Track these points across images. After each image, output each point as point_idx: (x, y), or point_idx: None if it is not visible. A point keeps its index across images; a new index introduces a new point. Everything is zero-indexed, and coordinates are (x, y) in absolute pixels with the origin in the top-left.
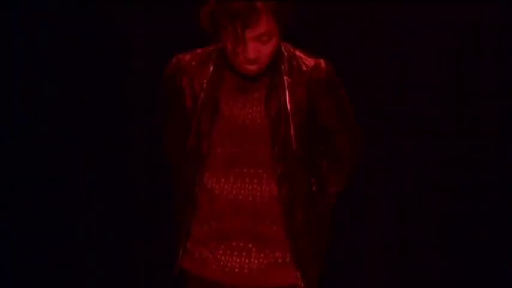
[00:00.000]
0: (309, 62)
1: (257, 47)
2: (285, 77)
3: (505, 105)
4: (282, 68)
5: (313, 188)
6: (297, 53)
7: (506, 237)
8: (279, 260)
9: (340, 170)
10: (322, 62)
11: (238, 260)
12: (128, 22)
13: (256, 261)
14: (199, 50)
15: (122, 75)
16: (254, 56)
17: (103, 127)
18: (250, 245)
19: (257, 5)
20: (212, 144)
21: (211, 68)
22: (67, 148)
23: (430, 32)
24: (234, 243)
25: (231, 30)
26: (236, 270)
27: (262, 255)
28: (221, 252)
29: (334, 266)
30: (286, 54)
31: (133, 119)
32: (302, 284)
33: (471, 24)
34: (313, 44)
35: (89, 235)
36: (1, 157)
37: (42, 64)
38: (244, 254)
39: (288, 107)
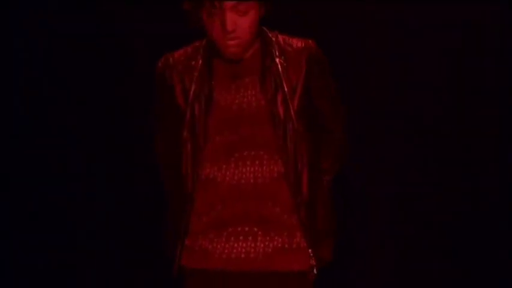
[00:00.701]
0: (298, 42)
1: (234, 18)
2: (277, 59)
3: (505, 105)
4: (273, 51)
5: (315, 165)
6: (284, 36)
7: (507, 237)
8: (286, 246)
9: (330, 149)
10: (311, 42)
11: (244, 245)
12: (128, 22)
13: (262, 245)
14: (186, 47)
15: (122, 75)
16: (231, 28)
17: (103, 127)
18: (255, 229)
19: None
20: (210, 134)
21: (200, 61)
22: (67, 148)
23: (431, 32)
24: (239, 229)
25: (209, 3)
26: (242, 255)
27: (267, 238)
28: (224, 239)
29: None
30: (274, 39)
31: (133, 119)
32: (314, 263)
33: (471, 24)
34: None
35: (89, 235)
36: (1, 157)
37: (42, 64)
38: (250, 238)
39: (285, 87)
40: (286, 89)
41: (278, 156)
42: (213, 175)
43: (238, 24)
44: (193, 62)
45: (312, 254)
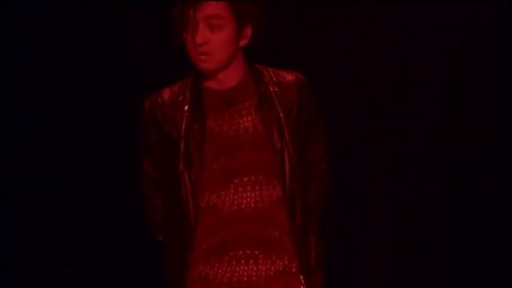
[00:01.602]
0: (289, 75)
1: (206, 32)
2: (271, 88)
3: (505, 105)
4: (265, 79)
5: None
6: (273, 69)
7: (507, 237)
8: (287, 269)
9: (313, 182)
10: (300, 75)
11: (245, 268)
12: (128, 22)
13: (264, 268)
14: (173, 86)
15: (122, 75)
16: (201, 40)
17: (103, 127)
18: (256, 252)
19: None
20: (206, 162)
21: (188, 93)
22: (67, 148)
23: (430, 32)
24: (240, 252)
25: (185, 13)
26: (245, 279)
27: (269, 261)
28: (225, 264)
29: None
30: (264, 70)
31: (134, 119)
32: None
33: (471, 24)
34: (313, 44)
35: (88, 235)
36: (1, 157)
37: (42, 64)
38: (251, 261)
39: (281, 115)
40: (282, 116)
41: (276, 181)
42: (213, 202)
43: (210, 39)
44: (181, 97)
45: (303, 281)
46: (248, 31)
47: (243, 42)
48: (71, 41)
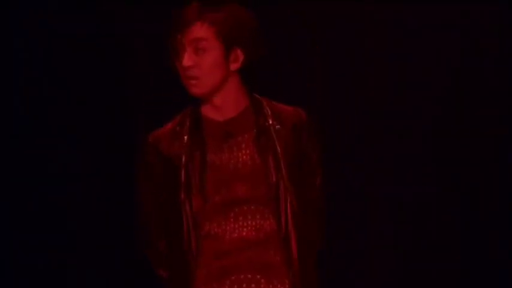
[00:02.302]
0: (289, 109)
1: (192, 56)
2: (270, 120)
3: (505, 105)
4: (264, 111)
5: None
6: (274, 102)
7: (507, 237)
8: None
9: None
10: (301, 110)
11: None
12: (128, 22)
13: None
14: (173, 119)
15: (122, 75)
16: (187, 63)
17: (103, 127)
18: (258, 276)
19: (191, 10)
20: (207, 195)
21: (189, 121)
22: (67, 148)
23: (430, 32)
24: (242, 276)
25: (174, 39)
26: None
27: (270, 286)
28: None
29: (335, 266)
30: (264, 102)
31: (134, 119)
32: None
33: (471, 24)
34: (313, 44)
35: (88, 235)
36: (1, 157)
37: (42, 64)
38: (253, 285)
39: (278, 148)
40: (278, 150)
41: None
42: (213, 231)
43: (197, 63)
44: (181, 127)
45: None
46: (239, 55)
47: (234, 66)
48: (71, 41)
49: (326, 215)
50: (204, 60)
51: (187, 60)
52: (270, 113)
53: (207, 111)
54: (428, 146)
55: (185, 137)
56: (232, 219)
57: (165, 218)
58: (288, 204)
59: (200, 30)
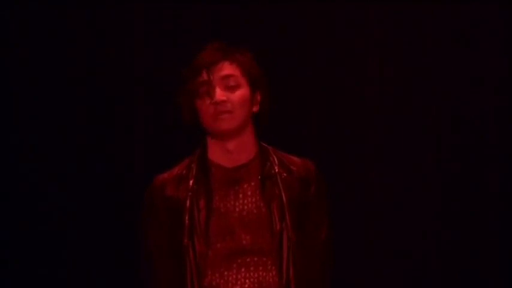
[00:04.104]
0: (297, 159)
1: (224, 91)
2: (276, 168)
3: (505, 105)
4: (271, 159)
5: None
6: (282, 151)
7: (507, 237)
8: None
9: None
10: (309, 161)
11: None
12: (128, 22)
13: None
14: (180, 164)
15: (122, 75)
16: (221, 98)
17: (103, 127)
18: None
19: (218, 52)
20: (211, 241)
21: (196, 166)
22: (67, 148)
23: (429, 31)
24: None
25: (199, 80)
26: None
27: None
28: None
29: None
30: (271, 151)
31: (134, 119)
32: None
33: (471, 24)
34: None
35: (88, 235)
36: (1, 157)
37: (42, 65)
38: None
39: (283, 197)
40: (284, 199)
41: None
42: (215, 282)
43: (229, 98)
44: (186, 171)
45: None
46: (258, 97)
47: (255, 108)
48: (71, 41)
49: (331, 269)
50: (235, 95)
51: (220, 94)
52: (277, 162)
53: (215, 156)
54: (429, 145)
55: (191, 182)
56: (234, 270)
57: (169, 266)
58: (291, 256)
59: (230, 68)
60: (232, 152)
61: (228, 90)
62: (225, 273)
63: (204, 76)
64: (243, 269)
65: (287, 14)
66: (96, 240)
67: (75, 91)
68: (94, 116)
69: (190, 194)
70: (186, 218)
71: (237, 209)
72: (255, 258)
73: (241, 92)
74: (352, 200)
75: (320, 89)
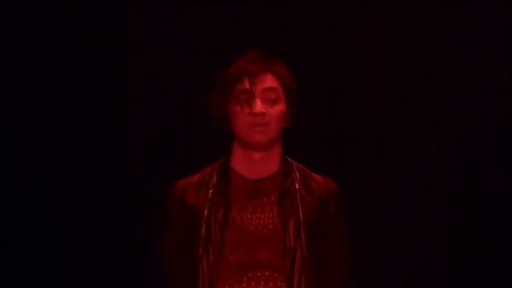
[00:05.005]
0: (319, 178)
1: (264, 103)
2: (297, 185)
3: (505, 105)
4: (293, 176)
5: None
6: (305, 167)
7: (507, 237)
8: None
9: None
10: (332, 181)
11: None
12: (128, 22)
13: None
14: (203, 170)
15: (122, 75)
16: (260, 110)
17: (103, 127)
18: None
19: (261, 61)
20: (224, 252)
21: (216, 177)
22: (67, 148)
23: (429, 31)
24: None
25: (240, 87)
26: None
27: None
28: None
29: None
30: (294, 166)
31: (134, 119)
32: None
33: (471, 24)
34: (314, 44)
35: (88, 235)
36: (1, 157)
37: (42, 64)
38: None
39: (301, 215)
40: (301, 217)
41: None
42: None
43: (267, 111)
44: (208, 180)
45: None
46: (289, 112)
47: (286, 123)
48: (71, 41)
49: None
50: (274, 109)
51: (260, 107)
52: (298, 178)
53: (239, 166)
54: (429, 145)
55: (210, 191)
56: (244, 284)
57: (183, 275)
58: (303, 274)
59: (272, 81)
60: (257, 163)
61: (268, 103)
62: (235, 286)
63: (246, 84)
64: (253, 283)
65: (287, 14)
66: (95, 240)
67: (75, 91)
68: (94, 116)
69: (208, 203)
70: (203, 228)
71: (253, 223)
72: (266, 273)
73: (280, 107)
74: (352, 200)
75: (320, 89)
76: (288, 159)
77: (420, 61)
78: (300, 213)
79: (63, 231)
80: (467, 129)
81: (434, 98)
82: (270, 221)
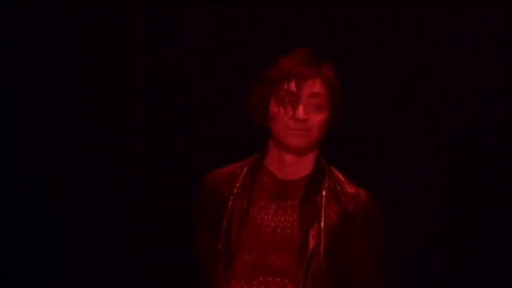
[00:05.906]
0: (349, 188)
1: (308, 109)
2: (324, 192)
3: (505, 105)
4: (322, 181)
5: None
6: (340, 175)
7: (507, 237)
8: None
9: None
10: (362, 193)
11: None
12: (128, 22)
13: None
14: (238, 162)
15: (122, 75)
16: (304, 116)
17: (103, 127)
18: None
19: (311, 64)
20: (240, 250)
21: (245, 172)
22: (67, 148)
23: (429, 31)
24: None
25: (286, 88)
26: None
27: None
28: None
29: None
30: (326, 170)
31: (134, 119)
32: None
33: (471, 24)
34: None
35: (88, 235)
36: (1, 157)
37: (42, 64)
38: None
39: (322, 222)
40: (322, 224)
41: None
42: None
43: (310, 117)
44: (239, 171)
45: None
46: (332, 119)
47: (328, 130)
48: (72, 41)
49: None
50: (317, 117)
51: (304, 113)
52: (327, 185)
53: (272, 164)
54: (429, 146)
55: (237, 184)
56: (254, 287)
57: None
58: (317, 284)
59: (320, 87)
60: (289, 165)
61: (312, 109)
62: (245, 287)
63: (293, 87)
64: (262, 287)
65: (287, 14)
66: (95, 240)
67: (75, 91)
68: (94, 116)
69: (232, 197)
70: (225, 221)
71: (272, 224)
72: (277, 279)
73: (323, 115)
74: None
75: None
76: (325, 164)
77: (420, 61)
78: (322, 221)
79: (63, 231)
80: (467, 129)
81: (434, 98)
82: (289, 225)
